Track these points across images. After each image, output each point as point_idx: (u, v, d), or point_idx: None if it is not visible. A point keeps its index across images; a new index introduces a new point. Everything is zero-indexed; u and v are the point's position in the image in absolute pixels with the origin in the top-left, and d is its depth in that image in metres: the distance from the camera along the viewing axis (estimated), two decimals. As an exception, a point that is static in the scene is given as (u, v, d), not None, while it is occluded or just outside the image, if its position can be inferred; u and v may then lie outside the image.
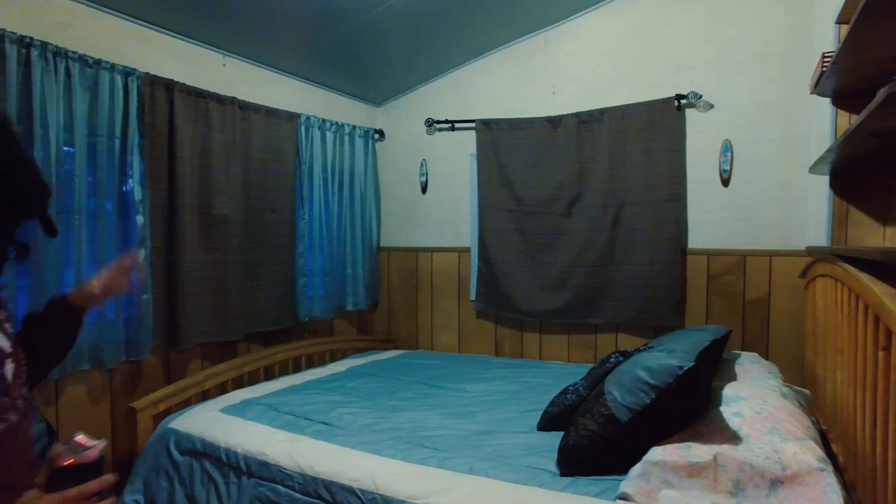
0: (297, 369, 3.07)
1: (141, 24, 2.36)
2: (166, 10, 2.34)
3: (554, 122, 3.11)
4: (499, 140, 3.26)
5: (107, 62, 2.16)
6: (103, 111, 2.17)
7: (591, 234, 2.99)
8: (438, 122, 3.55)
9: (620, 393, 1.63)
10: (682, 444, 1.51)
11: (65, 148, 2.05)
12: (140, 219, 2.31)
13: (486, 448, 1.85)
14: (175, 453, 2.08)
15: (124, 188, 2.30)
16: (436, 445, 1.88)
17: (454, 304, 3.62)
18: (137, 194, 2.31)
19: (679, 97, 2.77)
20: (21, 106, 1.92)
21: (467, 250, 3.53)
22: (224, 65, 2.75)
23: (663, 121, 2.81)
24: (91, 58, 2.11)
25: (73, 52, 2.05)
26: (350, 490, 1.69)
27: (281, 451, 1.89)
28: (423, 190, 3.72)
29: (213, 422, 2.14)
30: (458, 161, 3.55)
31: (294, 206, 3.11)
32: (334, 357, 3.38)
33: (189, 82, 2.50)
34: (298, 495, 1.77)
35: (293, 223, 3.11)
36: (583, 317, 3.05)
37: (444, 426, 2.08)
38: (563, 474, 1.64)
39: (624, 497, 1.46)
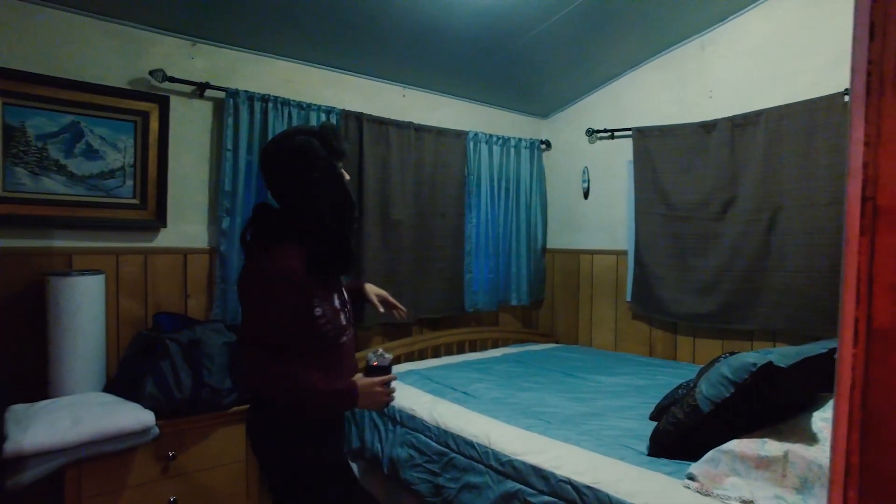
0: (460, 352, 3.57)
1: (339, 72, 3.06)
2: (358, 57, 3.00)
3: (707, 126, 3.11)
4: (652, 147, 3.35)
5: (315, 104, 2.88)
6: (312, 142, 2.89)
7: (744, 238, 2.94)
8: (598, 131, 3.75)
9: (706, 386, 1.76)
10: (758, 440, 1.61)
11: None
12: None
13: (588, 426, 2.09)
14: (353, 404, 2.70)
15: (327, 199, 3.01)
16: (546, 419, 2.18)
17: (611, 305, 3.78)
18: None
19: (848, 92, 2.60)
20: (261, 142, 2.70)
21: (624, 253, 3.67)
22: (403, 95, 3.35)
23: (826, 119, 2.66)
24: (304, 102, 2.85)
25: (293, 100, 2.80)
26: (470, 443, 2.09)
27: (424, 409, 2.37)
28: (585, 195, 3.94)
29: (381, 383, 2.71)
30: (616, 168, 3.70)
31: (462, 211, 3.60)
32: (496, 345, 3.80)
33: (374, 113, 3.14)
34: (433, 443, 2.23)
35: (460, 227, 3.61)
36: (734, 322, 3.01)
37: (560, 405, 2.36)
38: (648, 454, 1.83)
39: (691, 477, 1.61)
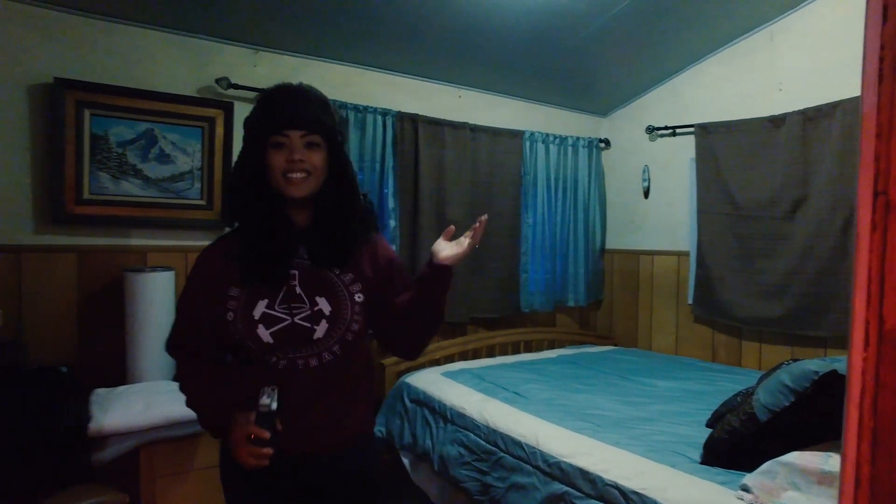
0: (515, 352, 3.55)
1: (394, 75, 3.12)
2: (413, 60, 3.05)
3: (776, 121, 2.95)
4: (716, 143, 3.21)
5: (371, 107, 2.95)
6: (369, 143, 2.97)
7: (817, 239, 2.77)
8: (659, 128, 3.63)
9: (764, 394, 1.68)
10: (822, 454, 1.52)
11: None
12: (392, 222, 3.07)
13: (639, 430, 2.04)
14: (406, 401, 2.75)
15: (382, 200, 3.07)
16: (596, 422, 2.14)
17: (672, 307, 3.65)
18: (391, 203, 3.07)
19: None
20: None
21: (686, 254, 3.54)
22: (459, 96, 3.38)
23: (910, 112, 2.46)
24: (361, 105, 2.92)
25: (349, 103, 2.88)
26: (518, 443, 2.08)
27: (475, 408, 2.38)
28: (646, 195, 3.83)
29: (434, 381, 2.74)
30: (678, 166, 3.58)
31: (518, 211, 3.59)
32: (552, 346, 3.76)
33: (430, 114, 3.18)
34: (482, 442, 2.24)
35: (516, 226, 3.59)
36: (804, 328, 2.84)
37: (612, 409, 2.31)
38: (701, 463, 1.76)
39: (745, 489, 1.54)
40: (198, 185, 2.67)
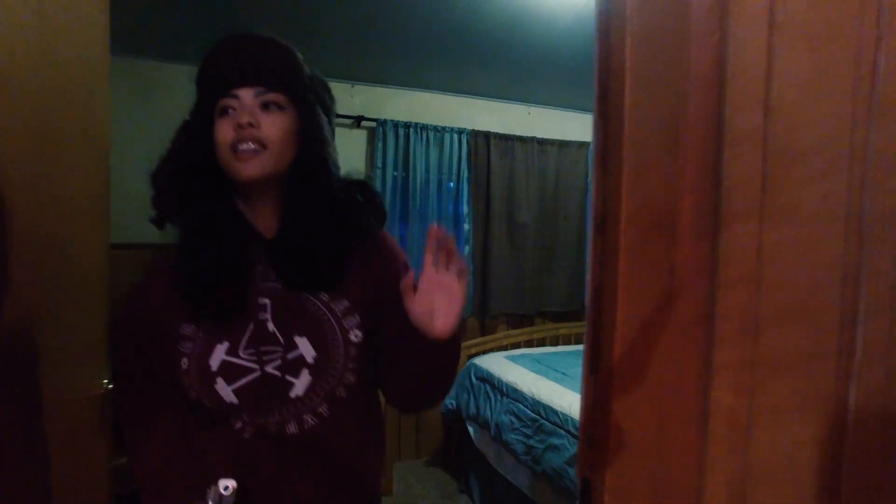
0: (577, 342, 3.89)
1: (470, 97, 3.60)
2: (487, 84, 3.50)
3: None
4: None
5: (448, 126, 3.45)
6: (446, 157, 3.47)
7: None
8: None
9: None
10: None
11: (425, 181, 3.42)
12: (466, 226, 3.55)
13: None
14: (473, 378, 3.21)
15: (458, 206, 3.57)
16: (625, 398, 2.47)
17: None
18: (465, 210, 3.55)
19: None
20: (404, 160, 3.35)
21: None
22: (528, 113, 3.78)
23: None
24: (440, 126, 3.44)
25: (430, 125, 3.41)
26: (555, 412, 2.48)
27: (526, 384, 2.79)
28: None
29: (497, 362, 3.19)
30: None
31: (584, 213, 3.92)
32: (618, 341, 4.03)
33: (501, 131, 3.62)
34: (528, 411, 2.65)
35: (583, 228, 3.92)
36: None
37: (644, 389, 2.62)
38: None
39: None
40: (307, 195, 3.32)
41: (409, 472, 3.35)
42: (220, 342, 0.87)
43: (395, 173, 3.38)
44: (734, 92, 0.68)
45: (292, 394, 0.87)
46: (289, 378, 0.87)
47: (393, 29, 2.74)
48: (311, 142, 0.88)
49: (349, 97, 3.37)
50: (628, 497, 0.77)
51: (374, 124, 3.35)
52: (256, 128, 0.83)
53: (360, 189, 0.95)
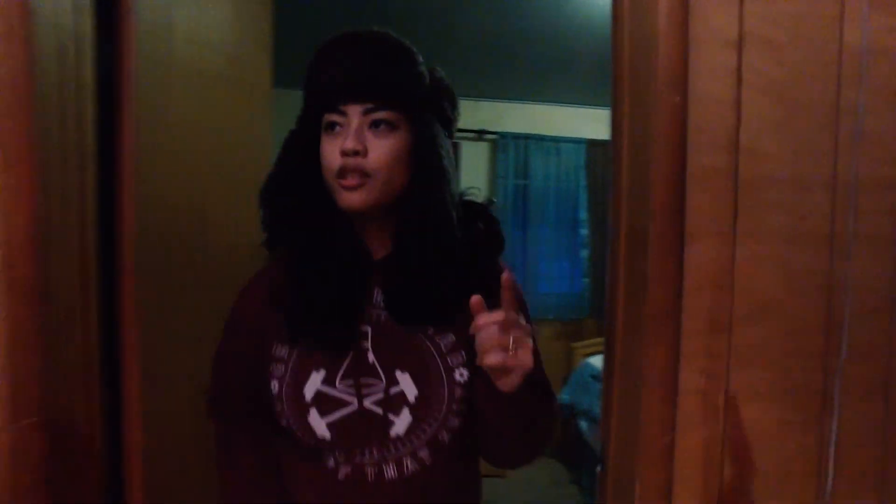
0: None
1: (586, 108, 3.74)
2: (603, 92, 3.61)
3: None
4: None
5: (564, 137, 3.63)
6: (563, 167, 3.65)
7: None
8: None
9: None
10: None
11: (544, 188, 3.64)
12: (584, 231, 3.70)
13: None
14: (587, 376, 3.36)
15: (576, 212, 3.73)
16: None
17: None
18: (583, 215, 3.70)
19: None
20: (524, 170, 3.60)
21: None
22: (649, 119, 3.81)
23: None
24: (557, 136, 3.63)
25: (547, 135, 3.62)
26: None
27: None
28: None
29: (610, 363, 3.30)
30: None
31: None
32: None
33: (619, 138, 3.71)
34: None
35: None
36: None
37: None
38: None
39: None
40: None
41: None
42: (317, 369, 0.78)
43: (516, 182, 3.65)
44: (697, 137, 0.87)
45: (392, 433, 0.78)
46: (390, 416, 0.78)
47: (518, 47, 2.97)
48: (426, 167, 0.77)
49: (473, 113, 3.69)
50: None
51: (495, 137, 3.64)
52: (363, 155, 0.72)
53: (481, 215, 0.85)
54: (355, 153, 0.72)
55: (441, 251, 0.77)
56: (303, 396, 0.79)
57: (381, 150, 0.74)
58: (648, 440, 0.88)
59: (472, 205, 0.86)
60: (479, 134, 3.65)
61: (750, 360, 0.88)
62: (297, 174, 0.79)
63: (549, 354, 3.44)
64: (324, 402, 0.79)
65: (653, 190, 0.90)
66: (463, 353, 0.81)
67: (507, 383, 0.69)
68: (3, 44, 0.76)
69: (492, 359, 0.65)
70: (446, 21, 2.73)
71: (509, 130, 3.64)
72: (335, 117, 0.74)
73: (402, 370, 0.79)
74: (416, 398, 0.79)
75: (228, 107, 1.37)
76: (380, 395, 0.79)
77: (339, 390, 0.79)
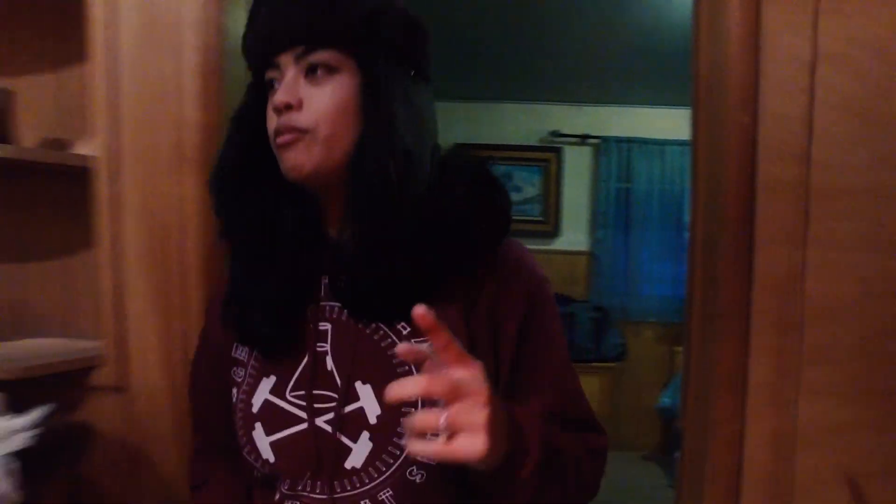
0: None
1: (686, 109, 3.65)
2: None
3: None
4: None
5: (670, 139, 3.59)
6: (666, 169, 3.62)
7: None
8: None
9: None
10: None
11: (647, 191, 3.63)
12: (687, 234, 3.63)
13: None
14: (689, 381, 3.31)
15: (680, 215, 3.67)
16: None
17: None
18: (686, 218, 3.63)
19: None
20: (626, 172, 3.62)
21: None
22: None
23: None
24: (662, 139, 3.60)
25: (650, 139, 3.60)
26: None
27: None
28: None
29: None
30: None
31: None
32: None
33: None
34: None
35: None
36: None
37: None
38: None
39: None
40: (538, 206, 3.81)
41: (626, 463, 3.58)
42: (267, 375, 0.65)
43: (619, 185, 3.67)
44: (767, 152, 0.95)
45: (348, 464, 0.61)
46: (344, 440, 0.61)
47: (618, 51, 3.01)
48: (373, 113, 0.60)
49: (574, 117, 3.75)
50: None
51: (598, 141, 3.68)
52: (297, 109, 0.59)
53: (478, 179, 0.66)
54: (288, 107, 0.59)
55: (404, 223, 0.60)
56: (251, 407, 0.65)
57: (316, 99, 0.60)
58: (719, 427, 0.97)
59: (460, 168, 0.67)
60: (582, 138, 3.71)
61: (821, 359, 0.94)
62: (242, 150, 0.65)
63: (651, 358, 3.44)
64: (270, 416, 0.64)
65: (725, 200, 0.99)
66: None
67: (483, 462, 0.46)
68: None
69: (415, 449, 0.46)
70: (544, 28, 2.83)
71: (612, 134, 3.66)
72: (272, 73, 0.62)
73: (365, 381, 0.61)
74: (379, 419, 0.60)
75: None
76: (331, 414, 0.61)
77: (289, 402, 0.63)
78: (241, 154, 0.66)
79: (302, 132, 0.59)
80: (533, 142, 3.80)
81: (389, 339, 0.63)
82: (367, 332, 0.63)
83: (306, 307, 0.65)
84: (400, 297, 0.59)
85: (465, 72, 3.43)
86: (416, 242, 0.60)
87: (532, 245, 3.29)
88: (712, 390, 0.96)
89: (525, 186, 3.80)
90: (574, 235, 3.81)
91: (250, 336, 0.65)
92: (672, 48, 2.90)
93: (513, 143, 3.78)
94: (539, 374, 0.65)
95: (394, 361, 0.61)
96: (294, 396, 0.63)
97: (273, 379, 0.65)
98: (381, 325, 0.63)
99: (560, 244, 3.81)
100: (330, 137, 0.60)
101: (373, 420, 0.60)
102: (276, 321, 0.63)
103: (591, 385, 3.32)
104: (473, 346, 0.62)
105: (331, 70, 0.60)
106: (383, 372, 0.61)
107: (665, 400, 3.43)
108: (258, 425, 0.64)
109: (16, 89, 1.14)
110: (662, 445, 3.71)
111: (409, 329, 0.62)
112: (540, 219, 3.81)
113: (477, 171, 0.67)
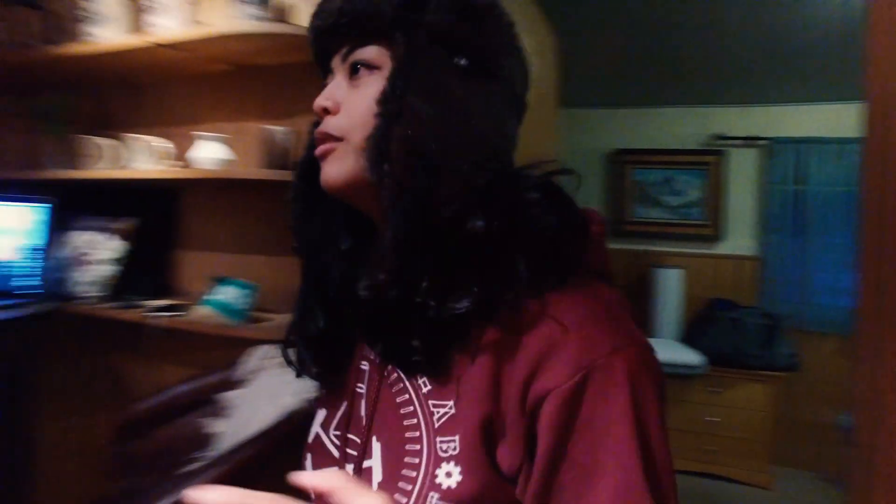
0: None
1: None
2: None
3: None
4: None
5: (846, 137, 3.37)
6: (845, 169, 3.41)
7: None
8: None
9: None
10: None
11: (823, 194, 3.46)
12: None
13: None
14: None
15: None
16: None
17: None
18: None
19: None
20: (800, 174, 3.48)
21: None
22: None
23: None
24: (844, 138, 3.39)
25: (828, 138, 3.42)
26: None
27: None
28: None
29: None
30: None
31: None
32: None
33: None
34: None
35: None
36: None
37: None
38: None
39: None
40: (701, 209, 3.79)
41: (802, 483, 3.40)
42: (321, 407, 0.64)
43: (791, 187, 3.52)
44: None
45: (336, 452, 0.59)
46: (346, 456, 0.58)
47: (787, 49, 2.91)
48: (399, 112, 0.50)
49: (739, 120, 3.68)
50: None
51: (766, 143, 3.58)
52: (334, 113, 0.54)
53: (545, 199, 0.51)
54: (326, 112, 0.54)
55: (431, 251, 0.49)
56: (308, 436, 0.64)
57: (352, 101, 0.53)
58: (888, 418, 1.05)
59: (518, 182, 0.53)
60: (748, 140, 3.64)
61: None
62: (308, 169, 0.59)
63: (830, 372, 3.36)
64: (317, 450, 0.62)
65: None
66: (458, 433, 0.49)
67: None
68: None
69: None
70: (710, 31, 2.83)
71: (783, 135, 3.55)
72: (329, 79, 0.57)
73: (378, 437, 0.55)
74: (379, 486, 0.52)
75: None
76: (353, 464, 0.56)
77: (330, 441, 0.60)
78: (306, 174, 0.60)
79: (336, 140, 0.53)
80: (695, 146, 3.79)
81: (406, 396, 0.53)
82: (389, 381, 0.55)
83: (355, 343, 0.60)
84: (411, 346, 0.49)
85: (619, 80, 3.52)
86: (440, 277, 0.48)
87: (694, 249, 3.34)
88: (883, 381, 1.04)
89: (688, 190, 3.81)
90: (739, 240, 3.73)
91: (302, 369, 0.63)
92: (846, 38, 2.76)
93: (675, 146, 3.81)
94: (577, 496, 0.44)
95: (404, 423, 0.52)
96: (334, 435, 0.60)
97: (324, 413, 0.63)
98: (402, 377, 0.54)
99: (724, 248, 3.75)
100: (359, 147, 0.52)
101: (375, 487, 0.52)
102: (320, 361, 0.61)
103: (755, 392, 3.25)
104: (499, 422, 0.47)
105: (371, 69, 0.53)
106: (391, 432, 0.53)
107: (847, 418, 3.22)
108: (309, 456, 0.62)
109: (297, 129, 1.49)
110: (845, 466, 3.47)
111: (429, 387, 0.51)
112: (703, 222, 3.78)
113: (541, 186, 0.52)
